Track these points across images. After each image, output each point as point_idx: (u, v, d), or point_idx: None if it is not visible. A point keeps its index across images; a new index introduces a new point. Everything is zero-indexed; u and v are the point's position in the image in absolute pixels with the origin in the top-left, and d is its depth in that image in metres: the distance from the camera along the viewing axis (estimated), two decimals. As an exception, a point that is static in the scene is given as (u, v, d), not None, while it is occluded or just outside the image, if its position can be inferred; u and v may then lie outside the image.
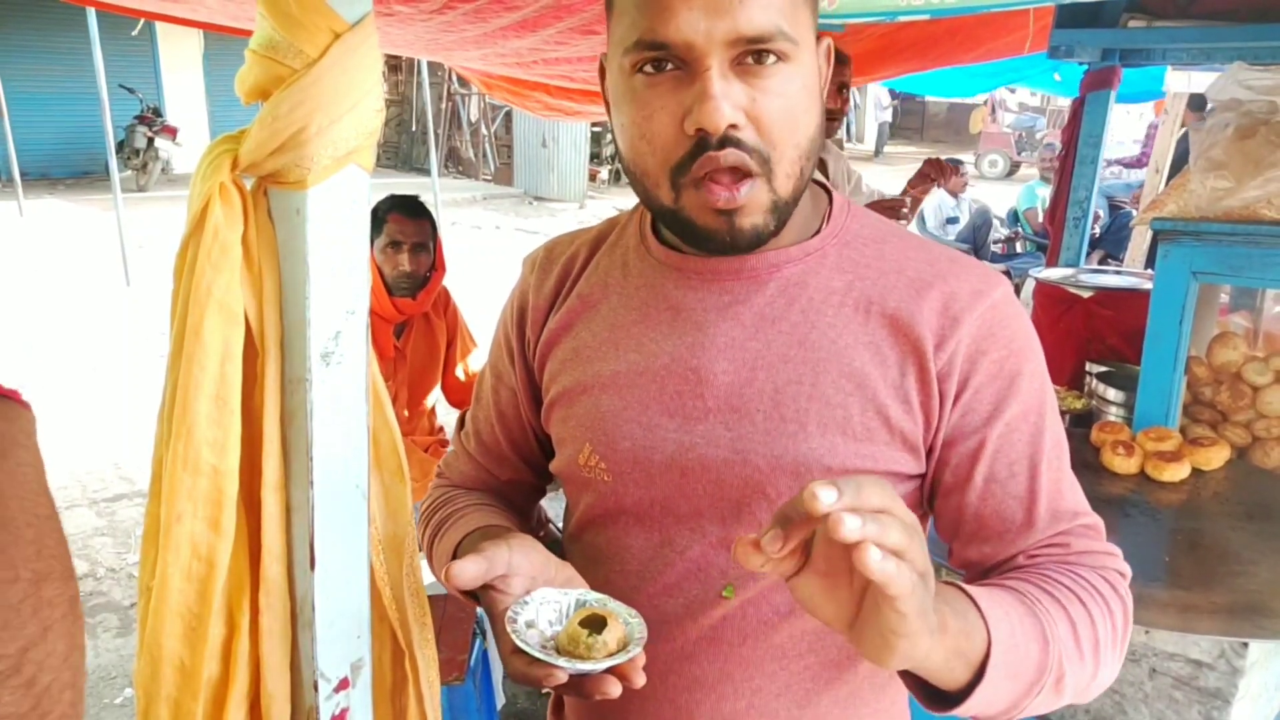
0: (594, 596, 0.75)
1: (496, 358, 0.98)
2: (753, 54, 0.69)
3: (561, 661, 0.67)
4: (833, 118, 2.70)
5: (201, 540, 0.91)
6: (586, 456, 0.86)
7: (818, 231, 0.83)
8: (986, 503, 0.80)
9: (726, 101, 0.68)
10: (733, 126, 0.69)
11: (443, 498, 1.00)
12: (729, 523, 0.82)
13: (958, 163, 3.09)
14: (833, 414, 0.78)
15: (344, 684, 0.98)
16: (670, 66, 0.70)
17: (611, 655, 0.68)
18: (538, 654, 0.67)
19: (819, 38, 0.76)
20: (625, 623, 0.71)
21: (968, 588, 0.67)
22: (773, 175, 0.72)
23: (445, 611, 2.01)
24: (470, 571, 0.71)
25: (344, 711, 0.98)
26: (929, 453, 0.81)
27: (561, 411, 0.89)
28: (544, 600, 0.74)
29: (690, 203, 0.74)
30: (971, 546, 0.83)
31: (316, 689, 0.95)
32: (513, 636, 0.69)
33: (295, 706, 0.98)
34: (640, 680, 0.69)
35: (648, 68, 0.71)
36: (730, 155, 0.70)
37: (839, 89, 2.61)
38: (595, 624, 0.70)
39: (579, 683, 0.68)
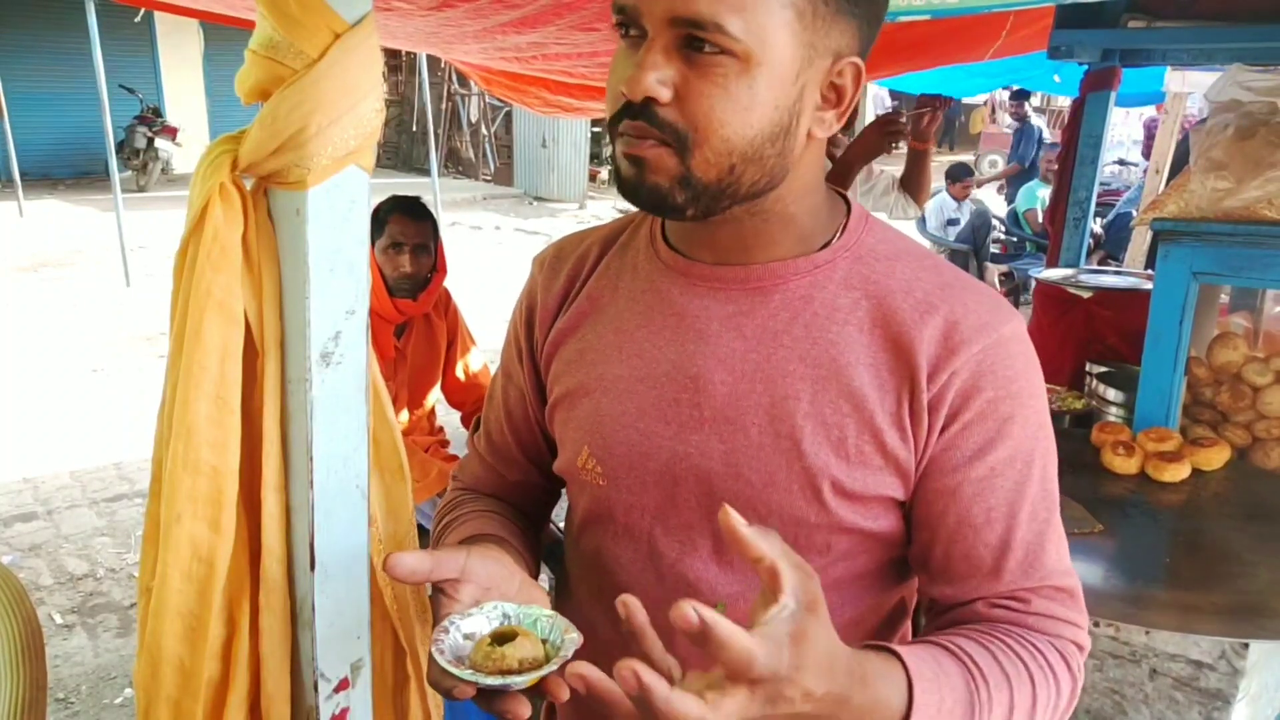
0: (545, 614, 0.72)
1: (507, 358, 0.98)
2: (692, 39, 0.69)
3: (466, 674, 0.65)
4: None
5: (201, 540, 0.91)
6: (584, 459, 0.86)
7: (829, 244, 0.82)
8: (956, 545, 0.79)
9: (653, 73, 0.70)
10: (651, 99, 0.70)
11: (453, 501, 1.00)
12: (719, 538, 0.80)
13: (949, 97, 3.11)
14: (828, 433, 0.77)
15: (344, 684, 0.98)
16: (634, 32, 0.72)
17: (518, 672, 0.66)
18: (442, 663, 0.66)
19: (837, 58, 0.74)
20: (558, 641, 0.70)
21: (906, 659, 0.67)
22: (687, 154, 0.72)
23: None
24: (408, 564, 0.70)
25: (344, 711, 0.98)
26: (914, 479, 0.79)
27: (563, 413, 0.88)
28: (492, 614, 0.72)
29: (616, 151, 0.76)
30: (935, 585, 0.82)
31: (316, 689, 0.95)
32: (432, 645, 0.68)
33: (295, 707, 0.98)
34: (560, 694, 0.68)
35: (621, 30, 0.74)
36: (636, 126, 0.72)
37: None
38: (508, 638, 0.69)
39: (488, 699, 0.67)
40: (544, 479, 1.00)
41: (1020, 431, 0.77)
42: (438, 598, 0.74)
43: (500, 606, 0.73)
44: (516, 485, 1.01)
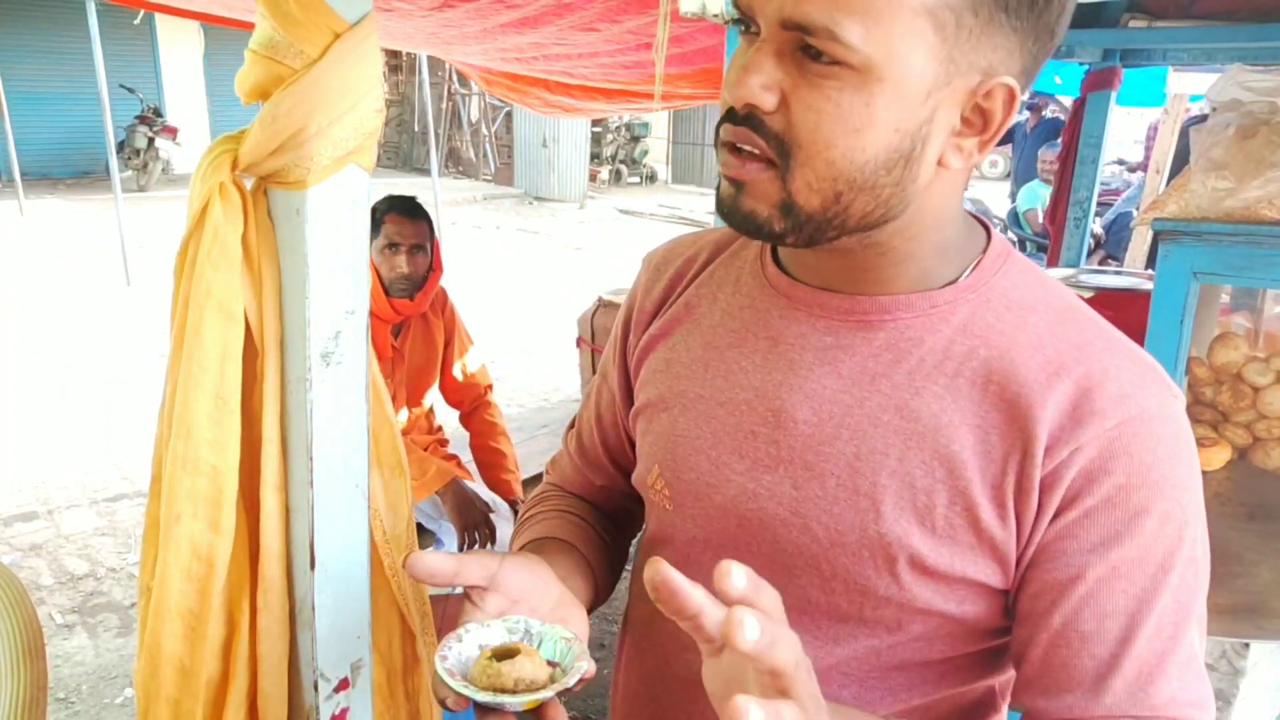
0: (565, 635, 0.68)
1: (606, 358, 0.93)
2: (806, 46, 0.61)
3: (458, 685, 0.63)
4: None
5: (201, 540, 0.91)
6: (654, 478, 0.81)
7: (955, 281, 0.71)
8: (1058, 650, 0.67)
9: (759, 77, 0.62)
10: (753, 107, 0.63)
11: (540, 495, 0.97)
12: (780, 591, 0.75)
13: None
14: (914, 498, 0.68)
15: (344, 684, 0.98)
16: (752, 29, 0.65)
17: (513, 692, 0.64)
18: (441, 670, 0.64)
19: (986, 76, 0.62)
20: (568, 666, 0.67)
21: None
22: (789, 175, 0.64)
23: (445, 611, 2.01)
24: (427, 565, 0.66)
25: (344, 711, 0.98)
26: (1016, 566, 0.69)
27: (643, 424, 0.83)
28: (515, 627, 0.69)
29: (719, 163, 0.68)
30: (1026, 694, 0.70)
31: (317, 689, 0.95)
32: (438, 649, 0.66)
33: (295, 707, 0.98)
34: None
35: (741, 26, 0.66)
36: (739, 133, 0.64)
37: None
38: (509, 655, 0.66)
39: (483, 713, 0.65)
40: (629, 487, 0.94)
41: (1157, 529, 0.65)
42: (464, 603, 0.70)
43: (525, 621, 0.69)
44: (602, 490, 0.96)
